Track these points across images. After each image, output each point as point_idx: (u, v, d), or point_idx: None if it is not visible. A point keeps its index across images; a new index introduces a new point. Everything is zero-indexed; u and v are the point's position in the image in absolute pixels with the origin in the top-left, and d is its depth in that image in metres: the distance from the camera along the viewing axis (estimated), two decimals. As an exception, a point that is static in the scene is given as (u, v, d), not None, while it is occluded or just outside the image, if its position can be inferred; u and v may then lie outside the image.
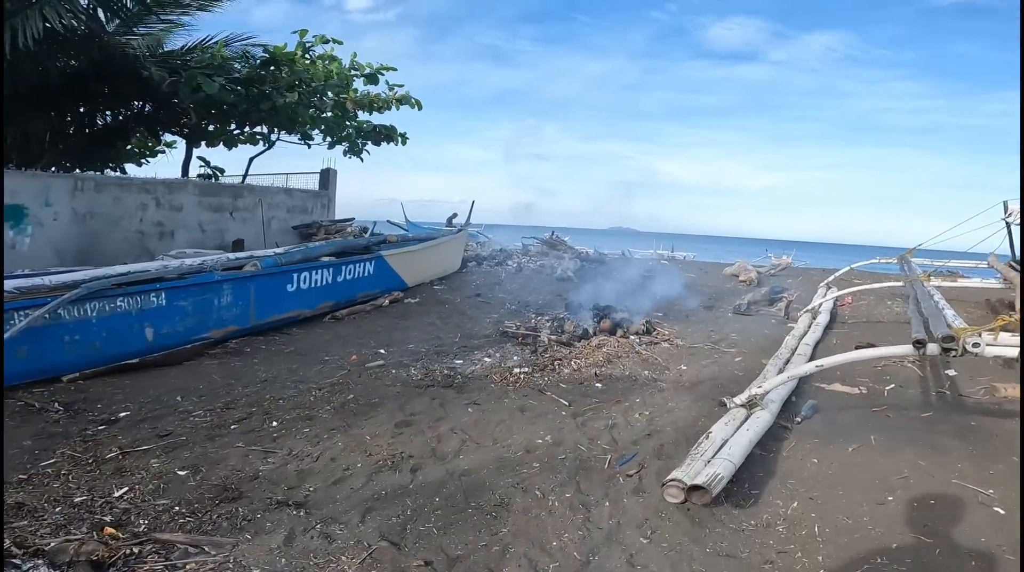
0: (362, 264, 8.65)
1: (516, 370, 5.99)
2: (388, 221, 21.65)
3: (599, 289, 10.88)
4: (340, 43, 12.94)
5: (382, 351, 6.62)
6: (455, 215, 23.36)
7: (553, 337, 6.94)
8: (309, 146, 14.35)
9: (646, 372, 5.95)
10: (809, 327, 7.52)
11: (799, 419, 4.54)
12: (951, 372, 5.96)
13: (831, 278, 11.62)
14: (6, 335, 4.41)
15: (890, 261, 11.23)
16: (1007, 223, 9.70)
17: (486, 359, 6.44)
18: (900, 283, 7.88)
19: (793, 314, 8.82)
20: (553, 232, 20.05)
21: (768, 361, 5.80)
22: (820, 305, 8.36)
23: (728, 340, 7.36)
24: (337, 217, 15.31)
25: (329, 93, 12.73)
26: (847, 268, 11.44)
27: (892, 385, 5.50)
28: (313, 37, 12.69)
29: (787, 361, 5.84)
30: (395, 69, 13.19)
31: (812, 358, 6.06)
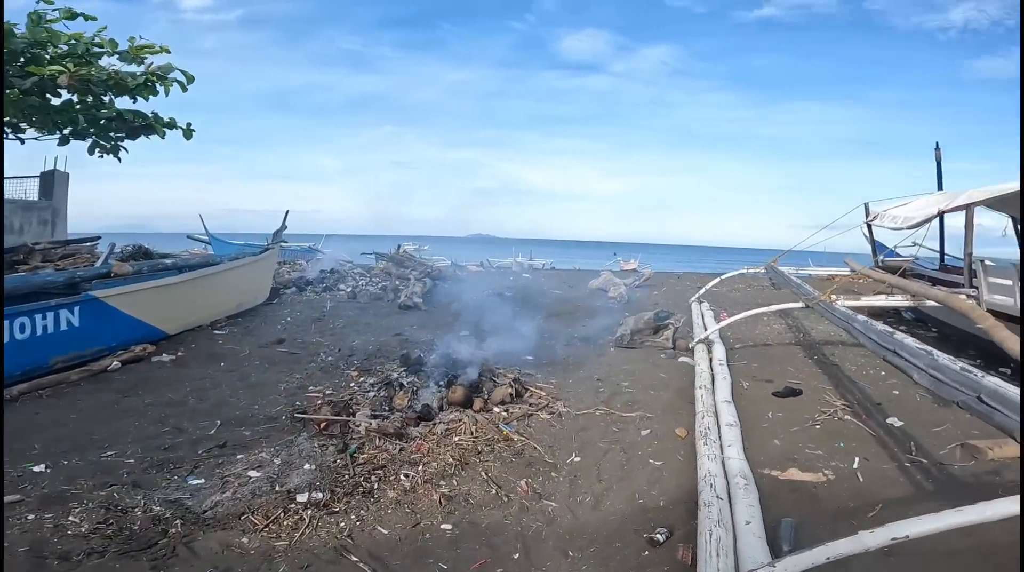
0: (53, 313, 5.26)
1: (301, 499, 3.39)
2: (188, 236, 17.06)
3: (452, 322, 8.55)
4: (93, 19, 8.95)
5: (40, 469, 3.56)
6: (284, 228, 19.78)
7: (376, 421, 4.41)
8: (21, 141, 9.92)
9: (523, 483, 3.69)
10: (711, 366, 5.96)
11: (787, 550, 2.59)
12: (895, 421, 4.65)
13: (701, 292, 10.68)
14: None
15: (757, 269, 10.61)
16: (868, 225, 9.45)
17: (251, 472, 3.72)
18: (799, 304, 6.77)
19: (681, 344, 7.34)
20: (400, 245, 17.39)
21: (700, 446, 3.89)
22: (709, 334, 6.96)
23: (623, 395, 5.46)
24: (75, 235, 10.95)
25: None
26: (716, 280, 10.59)
27: (855, 458, 3.92)
28: (55, 11, 8.52)
29: (718, 435, 4.00)
30: (165, 50, 9.46)
31: (741, 424, 4.33)
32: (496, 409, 4.81)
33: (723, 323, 7.02)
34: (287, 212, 10.80)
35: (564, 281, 15.78)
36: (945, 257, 9.52)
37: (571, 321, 9.31)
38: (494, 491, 3.59)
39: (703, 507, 2.94)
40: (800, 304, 6.77)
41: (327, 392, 5.41)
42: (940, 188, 9.39)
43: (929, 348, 3.55)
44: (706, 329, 7.56)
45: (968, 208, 6.18)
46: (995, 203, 6.21)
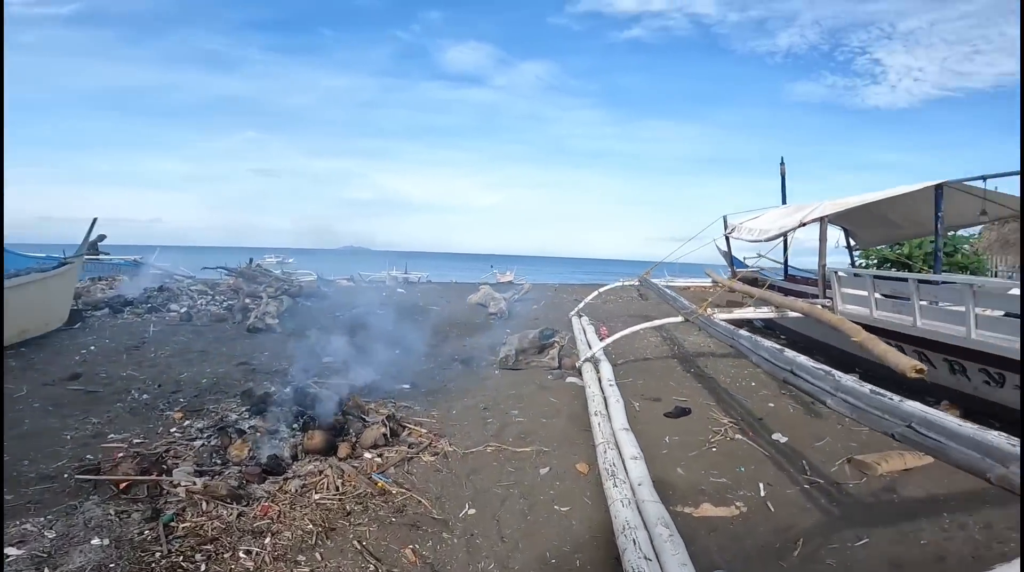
0: None
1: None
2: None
3: (313, 346, 7.37)
4: None
5: None
6: (101, 237, 16.59)
7: (203, 479, 3.32)
8: None
9: (409, 551, 2.91)
10: (601, 388, 5.65)
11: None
12: (780, 437, 4.64)
13: (580, 305, 10.64)
14: None
15: (630, 282, 10.86)
16: (727, 238, 10.08)
17: (9, 551, 2.54)
18: (679, 319, 6.80)
19: (567, 363, 7.01)
20: (251, 259, 15.32)
21: (609, 488, 3.40)
22: (595, 352, 6.72)
23: (513, 427, 4.88)
24: None
25: None
26: (594, 293, 10.64)
27: (760, 485, 3.72)
28: None
29: (625, 474, 3.56)
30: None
31: (643, 453, 3.97)
32: (368, 455, 3.94)
33: (607, 341, 6.84)
34: (94, 220, 8.75)
35: (441, 296, 15.03)
36: (788, 268, 10.47)
37: (451, 341, 8.60)
38: (372, 567, 2.76)
39: (630, 574, 2.41)
40: (679, 318, 6.82)
41: (135, 441, 4.12)
42: (784, 201, 10.31)
43: (828, 368, 3.46)
44: (591, 347, 7.33)
45: (822, 220, 6.68)
46: (837, 217, 6.78)
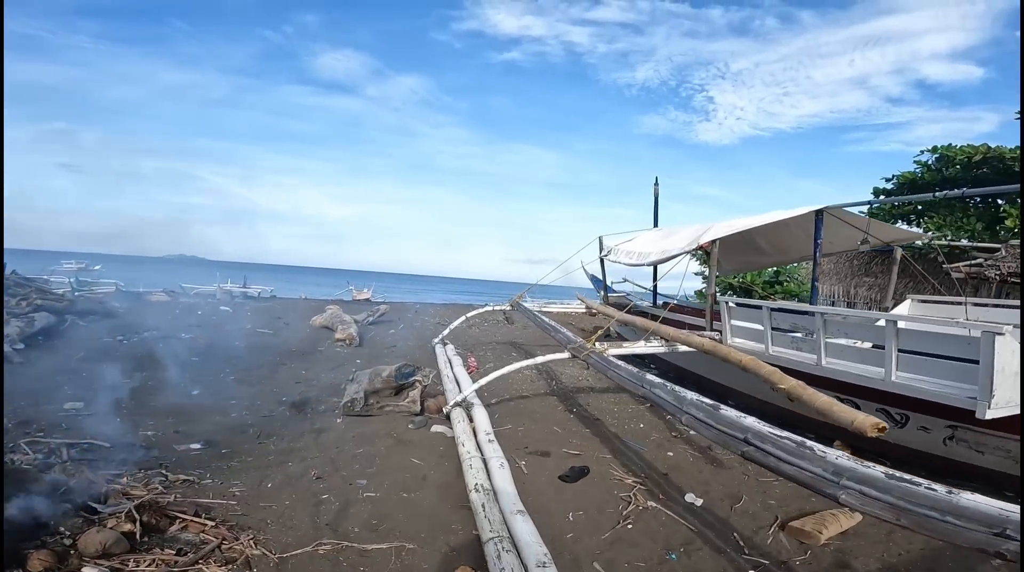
0: None
1: None
2: None
3: (58, 385, 5.11)
4: None
5: None
6: None
7: None
8: None
9: None
10: (476, 442, 4.42)
11: None
12: (694, 499, 3.82)
13: (446, 332, 9.36)
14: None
15: (500, 306, 9.88)
16: (601, 260, 9.62)
17: None
18: (564, 355, 5.85)
19: (432, 405, 5.68)
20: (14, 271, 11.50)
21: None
22: (467, 395, 5.50)
23: (361, 506, 3.41)
24: None
25: None
26: (462, 319, 9.44)
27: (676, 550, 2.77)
28: None
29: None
30: None
31: (547, 546, 2.81)
32: (86, 592, 2.22)
33: (482, 382, 5.63)
34: None
35: (279, 316, 12.64)
36: (657, 295, 10.34)
37: (280, 377, 6.74)
38: None
39: None
40: (564, 355, 5.90)
41: None
42: (656, 224, 10.20)
43: (799, 438, 2.65)
44: (460, 387, 6.10)
45: (714, 243, 6.31)
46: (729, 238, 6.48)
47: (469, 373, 7.55)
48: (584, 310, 10.94)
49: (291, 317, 12.28)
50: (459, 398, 5.43)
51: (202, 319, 11.13)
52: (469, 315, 9.48)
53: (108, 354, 7.02)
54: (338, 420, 5.27)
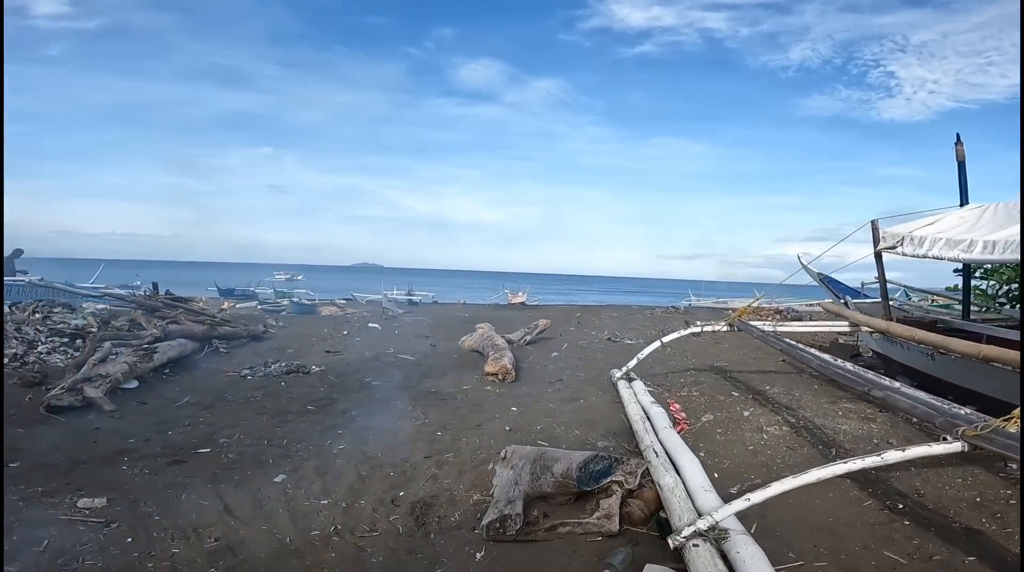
0: None
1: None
2: None
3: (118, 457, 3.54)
4: None
5: None
6: (17, 252, 12.95)
7: None
8: None
9: None
10: None
11: None
12: None
13: (632, 363, 6.63)
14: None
15: (710, 327, 6.86)
16: (878, 253, 6.14)
17: None
18: (956, 447, 2.83)
19: (638, 515, 3.09)
20: (155, 285, 11.79)
21: None
22: (717, 521, 2.78)
23: None
24: None
25: None
26: (654, 346, 6.62)
27: None
28: None
29: None
30: None
31: None
32: None
33: (756, 498, 2.85)
34: None
35: (427, 333, 11.13)
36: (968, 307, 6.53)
37: (404, 450, 4.66)
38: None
39: None
40: (956, 446, 2.82)
41: None
42: (965, 200, 6.43)
43: None
44: (684, 480, 3.41)
45: None
46: None
47: (677, 429, 4.81)
48: (837, 328, 7.38)
49: (440, 335, 10.65)
50: (701, 525, 2.74)
51: (346, 341, 9.98)
52: (665, 340, 6.64)
53: (220, 397, 5.71)
54: (478, 555, 2.95)
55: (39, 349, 6.94)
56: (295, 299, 19.52)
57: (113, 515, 3.00)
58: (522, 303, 26.60)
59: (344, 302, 23.42)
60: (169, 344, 7.01)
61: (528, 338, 10.07)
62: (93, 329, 8.23)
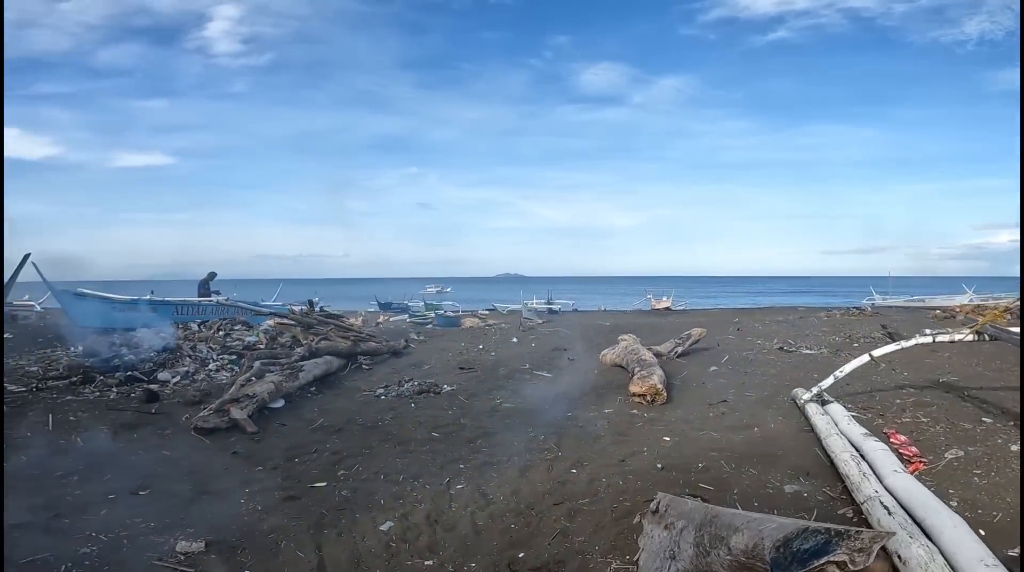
0: None
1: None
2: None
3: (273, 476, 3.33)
4: None
5: None
6: (212, 275, 14.82)
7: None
8: None
9: None
10: None
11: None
12: None
13: (827, 382, 5.16)
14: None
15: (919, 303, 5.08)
16: None
17: None
18: None
19: None
20: (312, 301, 12.59)
21: None
22: None
23: None
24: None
25: None
26: (860, 361, 5.04)
27: None
28: None
29: None
30: None
31: None
32: None
33: None
34: (26, 256, 6.14)
35: (566, 346, 10.40)
36: None
37: (531, 490, 3.93)
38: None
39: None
40: None
41: None
42: None
43: None
44: (948, 558, 2.19)
45: None
46: None
47: (910, 470, 3.43)
48: None
49: (579, 347, 9.84)
50: None
51: (481, 356, 9.65)
52: (877, 354, 5.05)
53: (350, 420, 5.56)
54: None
55: (210, 366, 7.57)
56: (440, 311, 20.18)
57: (204, 564, 2.70)
58: (667, 308, 24.71)
59: (486, 312, 23.82)
60: (315, 362, 7.19)
61: (680, 350, 8.80)
62: (261, 346, 8.91)
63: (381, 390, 6.77)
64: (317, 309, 13.09)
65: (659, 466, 3.98)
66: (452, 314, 19.04)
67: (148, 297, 14.64)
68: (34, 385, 6.36)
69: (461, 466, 4.11)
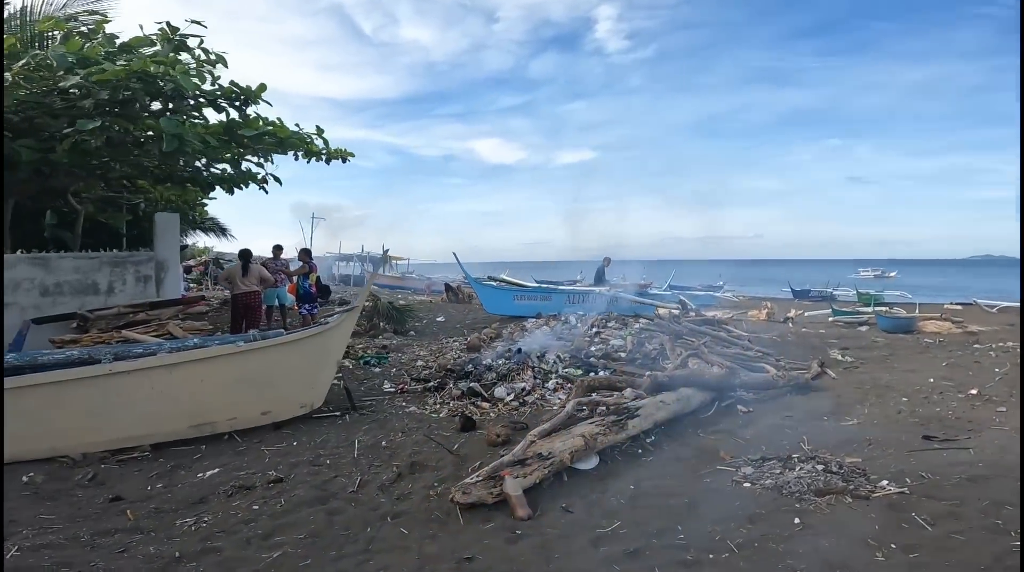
0: None
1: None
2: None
3: None
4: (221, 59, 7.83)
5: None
6: (607, 261, 15.30)
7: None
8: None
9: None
10: None
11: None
12: None
13: None
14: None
15: None
16: None
17: None
18: None
19: None
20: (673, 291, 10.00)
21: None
22: None
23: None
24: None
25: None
26: None
27: None
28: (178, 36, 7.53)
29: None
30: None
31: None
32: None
33: None
34: (386, 250, 6.37)
35: None
36: None
37: None
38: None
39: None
40: None
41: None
42: None
43: None
44: None
45: None
46: None
47: None
48: None
49: None
50: None
51: (964, 409, 5.33)
52: None
53: (686, 513, 3.26)
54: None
55: (548, 385, 6.50)
56: (881, 309, 14.43)
57: None
58: None
59: (958, 307, 16.34)
60: (661, 401, 5.04)
61: None
62: (621, 354, 7.40)
63: (749, 467, 4.06)
64: (719, 294, 10.66)
65: None
66: (901, 316, 12.95)
67: (577, 279, 15.31)
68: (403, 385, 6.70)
69: None
